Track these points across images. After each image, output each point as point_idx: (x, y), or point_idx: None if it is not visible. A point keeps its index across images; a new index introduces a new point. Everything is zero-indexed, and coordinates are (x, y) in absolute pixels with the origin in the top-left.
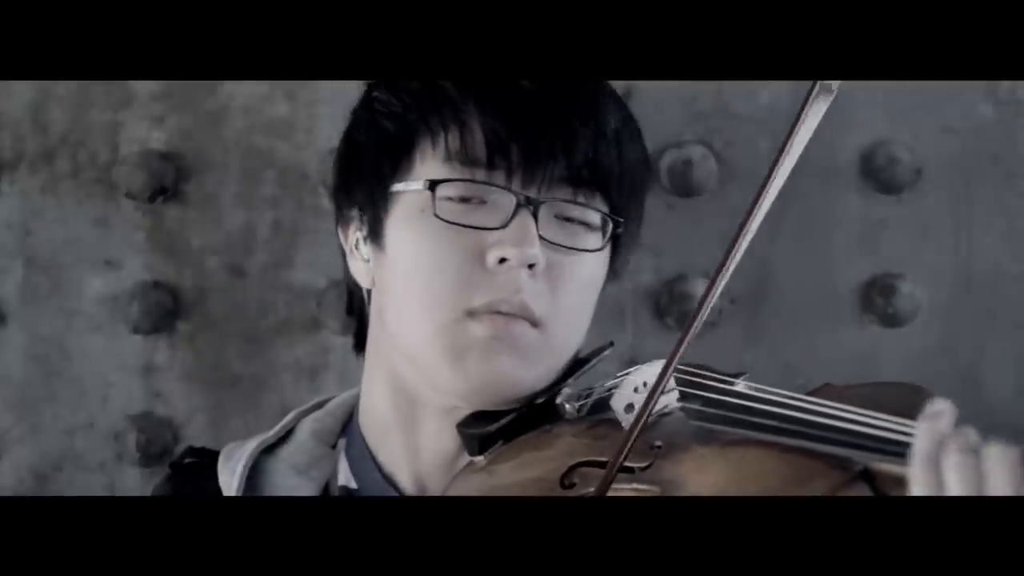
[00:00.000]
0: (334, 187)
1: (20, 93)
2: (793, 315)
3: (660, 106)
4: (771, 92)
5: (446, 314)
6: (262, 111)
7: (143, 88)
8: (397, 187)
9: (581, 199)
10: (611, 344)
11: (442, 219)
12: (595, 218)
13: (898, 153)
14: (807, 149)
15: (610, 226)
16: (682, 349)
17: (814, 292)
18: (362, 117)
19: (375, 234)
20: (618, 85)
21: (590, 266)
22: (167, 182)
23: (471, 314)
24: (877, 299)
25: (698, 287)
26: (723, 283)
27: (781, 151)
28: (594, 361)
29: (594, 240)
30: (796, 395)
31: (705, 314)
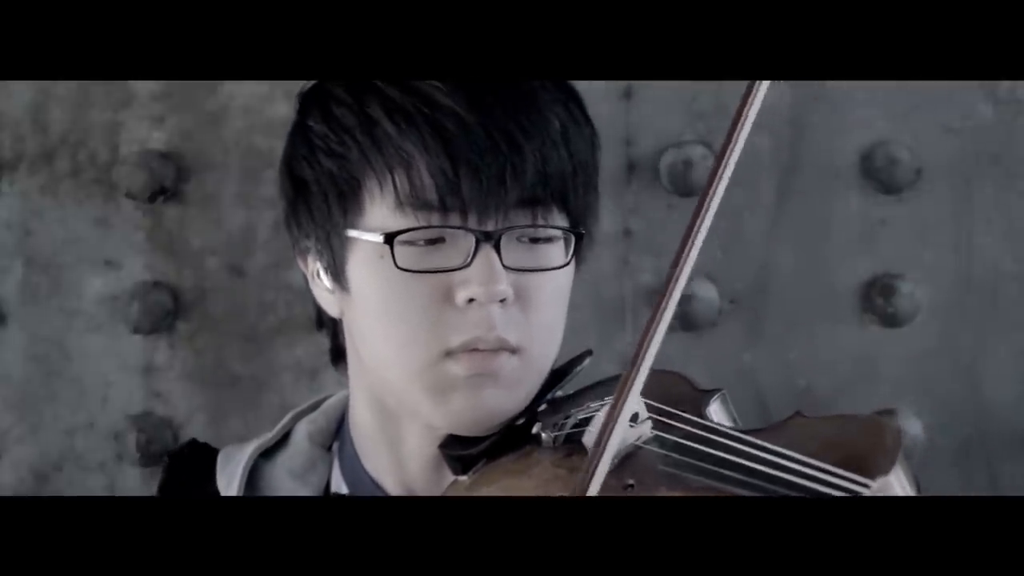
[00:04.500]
0: (284, 215)
1: (20, 93)
2: (793, 315)
3: (660, 106)
4: (771, 92)
5: (423, 356)
6: (262, 111)
7: (143, 88)
8: (352, 233)
9: (540, 220)
10: (590, 352)
11: (403, 269)
12: (556, 232)
13: (898, 153)
14: (807, 149)
15: (573, 238)
16: (626, 398)
17: (814, 292)
18: (301, 150)
19: (335, 274)
20: (618, 85)
21: (559, 279)
22: (167, 182)
23: (449, 354)
24: (877, 299)
25: (698, 287)
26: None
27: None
28: (574, 372)
29: (558, 253)
30: (761, 443)
31: (653, 348)
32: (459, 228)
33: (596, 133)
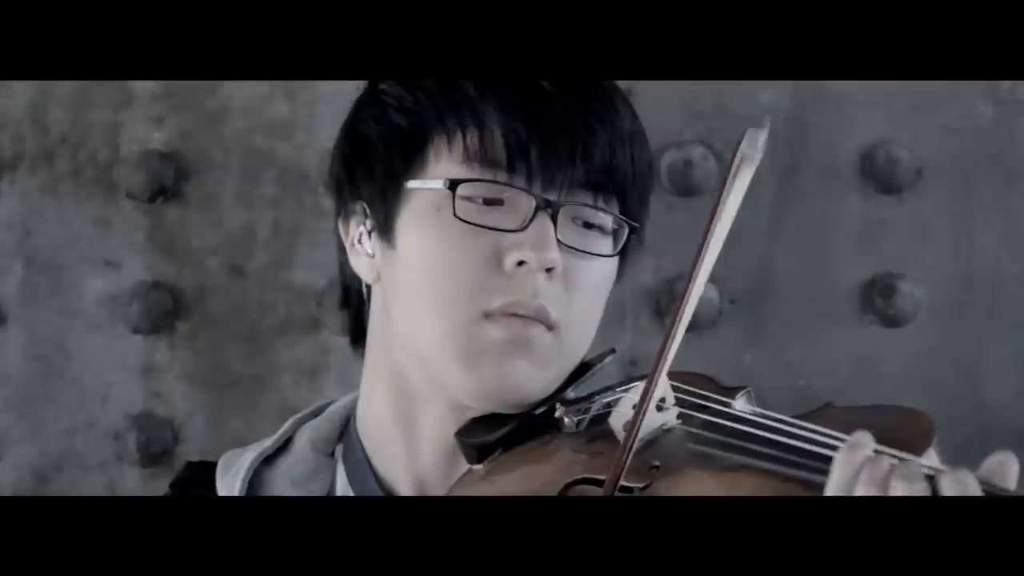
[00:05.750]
0: (336, 179)
1: (20, 93)
2: (793, 315)
3: (660, 106)
4: (771, 92)
5: (462, 315)
6: (262, 111)
7: (143, 88)
8: (413, 184)
9: (600, 203)
10: (612, 351)
11: (461, 219)
12: (609, 222)
13: (898, 153)
14: (807, 149)
15: (625, 230)
16: (662, 371)
17: (814, 292)
18: (369, 110)
19: (384, 230)
20: (618, 85)
21: (603, 271)
22: (167, 182)
23: (488, 316)
24: (877, 299)
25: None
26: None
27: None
28: (595, 368)
29: (607, 245)
30: (794, 421)
31: (682, 328)
32: (523, 190)
33: (653, 158)
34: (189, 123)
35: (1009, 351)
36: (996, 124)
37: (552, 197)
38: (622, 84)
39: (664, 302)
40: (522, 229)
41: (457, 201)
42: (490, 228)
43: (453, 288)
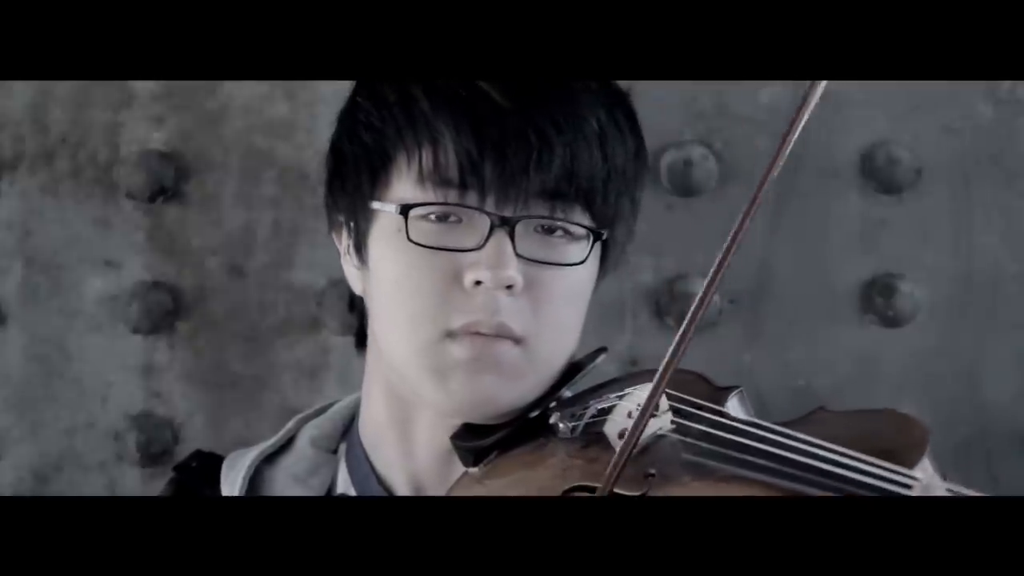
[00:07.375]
0: (325, 193)
1: (20, 93)
2: (793, 315)
3: (660, 106)
4: (771, 92)
5: (426, 335)
6: (262, 111)
7: (143, 88)
8: (375, 205)
9: (559, 214)
10: (604, 349)
11: (416, 243)
12: (578, 228)
13: (898, 153)
14: (807, 149)
15: (592, 238)
16: (660, 390)
17: (814, 292)
18: (347, 124)
19: (359, 247)
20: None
21: (574, 277)
22: (167, 182)
23: (450, 335)
24: (877, 299)
25: (698, 287)
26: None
27: (778, 151)
28: (588, 368)
29: (577, 251)
30: (789, 431)
31: (689, 338)
32: (474, 209)
33: (644, 146)
34: (189, 123)
35: (1009, 351)
36: (996, 124)
37: (507, 213)
38: (622, 84)
39: (664, 302)
40: (479, 248)
41: (412, 223)
42: (446, 249)
43: (416, 308)
